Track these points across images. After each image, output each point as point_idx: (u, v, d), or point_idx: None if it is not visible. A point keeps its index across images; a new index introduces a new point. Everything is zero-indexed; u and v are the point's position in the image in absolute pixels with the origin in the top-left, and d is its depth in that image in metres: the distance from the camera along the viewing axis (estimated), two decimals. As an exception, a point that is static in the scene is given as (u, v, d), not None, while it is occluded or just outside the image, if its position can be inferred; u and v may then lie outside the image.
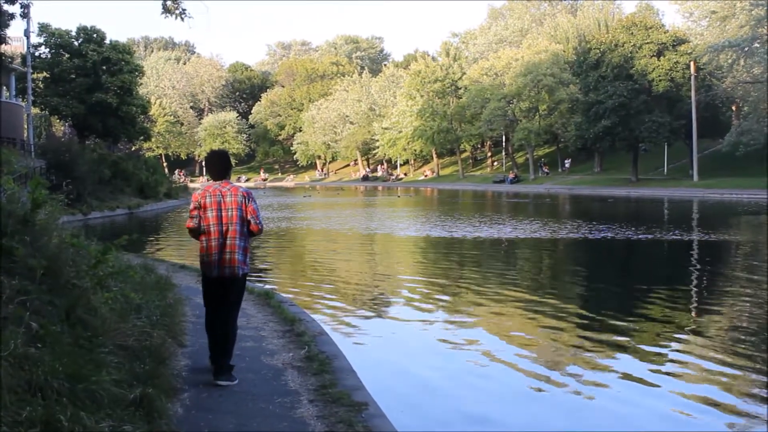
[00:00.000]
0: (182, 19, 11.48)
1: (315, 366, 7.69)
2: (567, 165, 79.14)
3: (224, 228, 7.11)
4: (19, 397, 4.76)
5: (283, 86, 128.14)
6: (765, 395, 7.70)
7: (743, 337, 10.22)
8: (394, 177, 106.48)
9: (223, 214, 7.12)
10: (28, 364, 5.15)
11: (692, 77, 59.24)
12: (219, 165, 7.44)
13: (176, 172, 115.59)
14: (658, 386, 8.03)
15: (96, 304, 7.22)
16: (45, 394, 4.97)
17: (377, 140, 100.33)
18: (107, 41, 52.21)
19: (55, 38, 50.88)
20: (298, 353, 8.28)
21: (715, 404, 7.51)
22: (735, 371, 8.57)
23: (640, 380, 8.22)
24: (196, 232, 7.22)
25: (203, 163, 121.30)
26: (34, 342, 5.62)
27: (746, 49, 56.73)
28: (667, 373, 8.50)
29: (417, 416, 7.20)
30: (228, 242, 7.11)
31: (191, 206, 7.28)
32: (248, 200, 7.21)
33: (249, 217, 7.17)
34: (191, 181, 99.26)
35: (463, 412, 7.37)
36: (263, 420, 6.16)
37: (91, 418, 4.88)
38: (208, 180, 8.08)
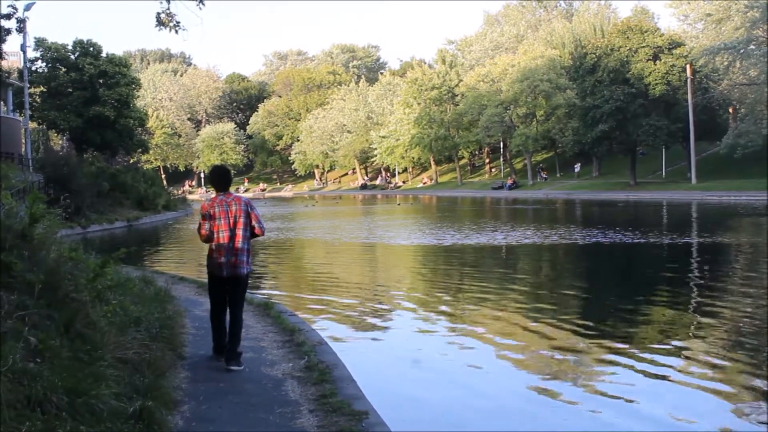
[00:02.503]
0: (176, 31, 11.49)
1: (315, 376, 7.69)
2: (577, 169, 77.89)
3: (233, 233, 8.07)
4: (19, 413, 4.76)
5: (280, 96, 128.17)
6: (765, 404, 7.70)
7: (744, 344, 10.22)
8: (392, 185, 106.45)
9: (231, 221, 8.08)
10: (27, 378, 5.15)
11: (688, 80, 59.37)
12: (221, 179, 8.39)
13: (186, 183, 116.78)
14: (659, 390, 8.03)
15: (95, 318, 7.23)
16: (44, 408, 4.97)
17: (375, 149, 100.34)
18: (104, 54, 52.35)
19: (52, 52, 51.00)
20: (298, 363, 8.28)
21: (716, 409, 7.52)
22: (736, 376, 8.57)
23: (640, 386, 8.22)
24: (209, 239, 8.14)
25: (202, 175, 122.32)
26: (33, 356, 5.62)
27: (742, 51, 56.84)
28: (667, 379, 8.49)
29: (417, 425, 7.19)
30: (236, 245, 8.07)
31: (202, 216, 8.23)
32: (251, 208, 8.23)
33: (254, 222, 8.16)
34: (189, 193, 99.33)
35: (463, 420, 7.36)
36: (264, 430, 6.16)
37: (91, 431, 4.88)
38: (207, 191, 8.51)
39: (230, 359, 8.08)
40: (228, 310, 8.36)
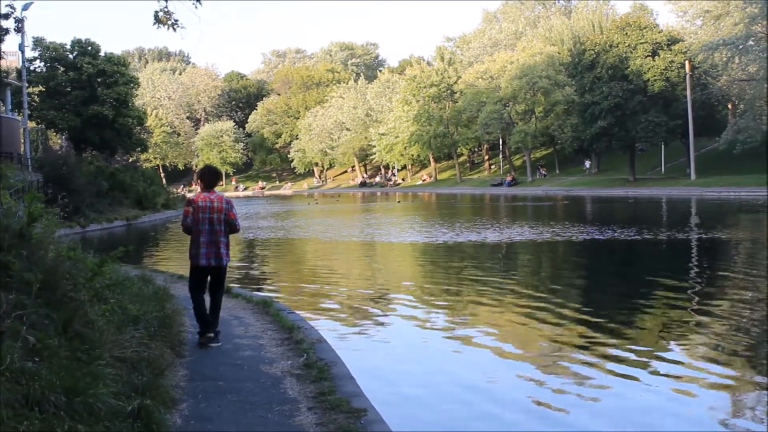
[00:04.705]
0: (174, 29, 11.46)
1: (314, 373, 7.68)
2: (587, 165, 76.57)
3: (213, 227, 8.92)
4: (17, 412, 4.75)
5: (278, 94, 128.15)
6: (765, 398, 7.71)
7: (744, 338, 10.23)
8: (391, 182, 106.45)
9: (212, 216, 8.92)
10: (25, 378, 5.14)
11: (687, 76, 59.32)
12: (210, 178, 9.32)
13: (192, 182, 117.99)
14: (657, 386, 8.04)
15: (93, 317, 7.22)
16: (42, 408, 4.96)
17: (374, 146, 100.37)
18: (102, 53, 52.33)
19: (50, 52, 50.99)
20: (297, 361, 8.28)
21: (714, 405, 7.53)
22: (734, 372, 8.58)
23: (638, 380, 8.23)
24: (188, 229, 9.02)
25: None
26: (31, 356, 5.62)
27: (741, 47, 56.79)
28: (666, 375, 8.49)
29: (416, 422, 7.19)
30: (216, 239, 8.94)
31: (185, 208, 9.07)
32: (230, 206, 9.14)
33: (230, 220, 9.05)
34: (189, 192, 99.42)
35: (462, 418, 7.35)
36: (263, 428, 6.16)
37: (89, 431, 4.87)
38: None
39: (205, 341, 9.07)
40: (209, 295, 9.23)
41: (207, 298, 9.28)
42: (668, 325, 11.15)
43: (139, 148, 58.60)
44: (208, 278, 9.25)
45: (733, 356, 9.13)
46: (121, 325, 7.76)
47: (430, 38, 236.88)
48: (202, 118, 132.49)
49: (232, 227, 9.08)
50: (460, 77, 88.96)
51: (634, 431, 6.91)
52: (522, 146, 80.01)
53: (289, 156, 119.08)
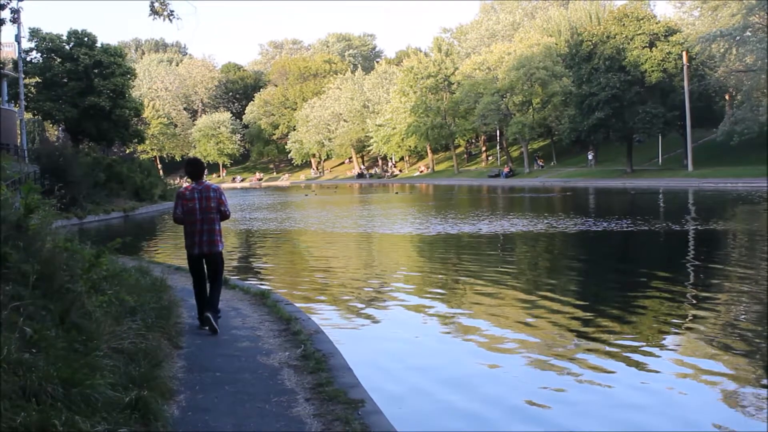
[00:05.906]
0: (170, 20, 11.45)
1: (311, 364, 7.68)
2: (590, 157, 75.83)
3: (205, 216, 9.17)
4: (14, 403, 4.75)
5: (276, 85, 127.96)
6: (764, 391, 7.72)
7: (740, 332, 10.24)
8: (389, 174, 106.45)
9: (204, 205, 9.17)
10: (22, 369, 5.14)
11: (685, 67, 59.30)
12: (196, 170, 9.51)
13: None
14: (656, 375, 8.04)
15: (90, 308, 7.22)
16: (39, 399, 4.96)
17: (371, 137, 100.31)
18: (98, 44, 52.19)
19: (47, 43, 50.85)
20: (295, 352, 8.27)
21: (713, 400, 7.54)
22: (733, 368, 8.59)
23: (634, 376, 8.23)
24: (180, 220, 9.27)
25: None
26: (29, 347, 5.61)
27: (738, 38, 56.74)
28: (665, 361, 8.50)
29: (414, 412, 7.20)
30: (208, 227, 9.20)
31: (176, 200, 9.31)
32: (220, 194, 9.36)
33: (222, 207, 9.29)
34: (186, 182, 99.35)
35: (461, 409, 7.34)
36: (260, 419, 6.16)
37: (87, 422, 4.87)
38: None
39: (207, 323, 9.29)
40: (209, 283, 9.43)
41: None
42: (664, 319, 11.16)
43: (136, 140, 58.49)
44: (205, 266, 9.45)
45: (729, 351, 9.13)
46: (118, 317, 7.76)
47: (427, 29, 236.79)
48: (199, 110, 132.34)
49: (222, 214, 9.31)
50: (457, 68, 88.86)
51: (628, 430, 6.91)
52: (519, 137, 80.00)
53: (286, 147, 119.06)
